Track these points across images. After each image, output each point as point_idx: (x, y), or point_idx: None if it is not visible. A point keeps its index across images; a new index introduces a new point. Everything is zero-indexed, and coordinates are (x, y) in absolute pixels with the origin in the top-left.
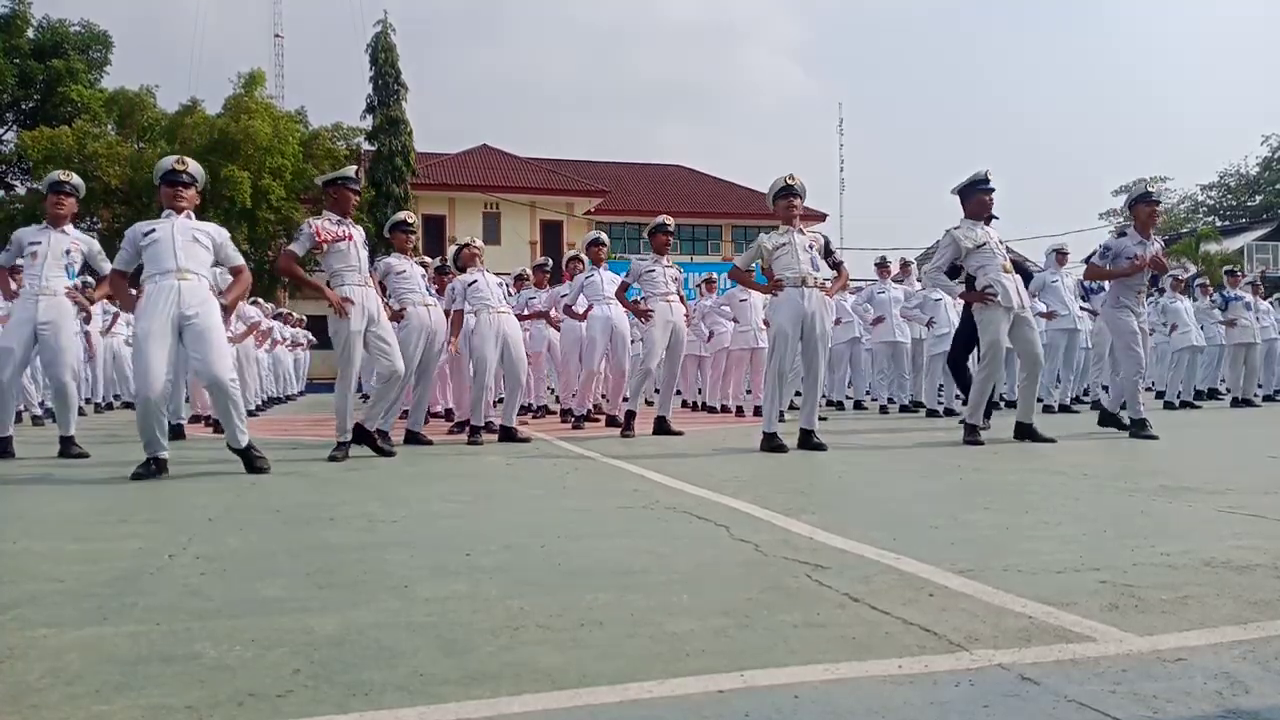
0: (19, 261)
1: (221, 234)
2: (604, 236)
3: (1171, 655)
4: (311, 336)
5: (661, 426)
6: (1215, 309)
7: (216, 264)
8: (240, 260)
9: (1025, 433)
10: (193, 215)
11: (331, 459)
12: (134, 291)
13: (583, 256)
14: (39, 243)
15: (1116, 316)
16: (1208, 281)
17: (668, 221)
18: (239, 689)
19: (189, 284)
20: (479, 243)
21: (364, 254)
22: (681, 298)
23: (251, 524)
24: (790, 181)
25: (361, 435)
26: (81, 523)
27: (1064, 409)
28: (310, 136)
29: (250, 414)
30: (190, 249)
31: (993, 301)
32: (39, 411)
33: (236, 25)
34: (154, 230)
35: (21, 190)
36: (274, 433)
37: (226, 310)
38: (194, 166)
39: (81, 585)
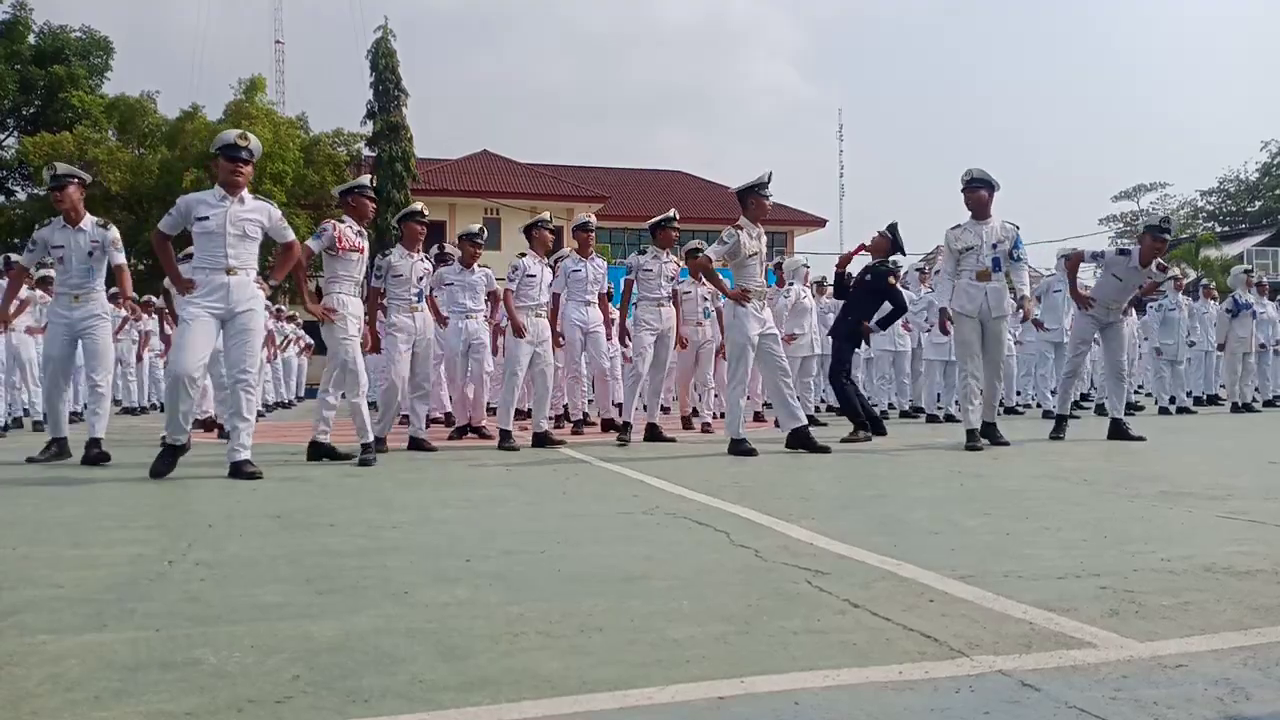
0: (48, 271)
1: (273, 215)
2: (592, 220)
3: (1172, 661)
4: (309, 339)
5: (654, 433)
6: (1229, 315)
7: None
8: (291, 235)
9: (988, 431)
10: (246, 196)
11: (363, 463)
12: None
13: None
14: (61, 246)
15: (1079, 322)
16: (1212, 284)
17: (674, 216)
18: (238, 695)
19: (238, 279)
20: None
21: (363, 267)
22: (675, 295)
23: (251, 530)
24: (768, 180)
25: (317, 449)
26: (81, 528)
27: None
28: (311, 142)
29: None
30: (240, 245)
31: (958, 313)
32: (39, 417)
33: (237, 31)
34: (209, 217)
35: (22, 196)
36: (274, 438)
37: (275, 287)
38: (255, 143)
39: (81, 591)
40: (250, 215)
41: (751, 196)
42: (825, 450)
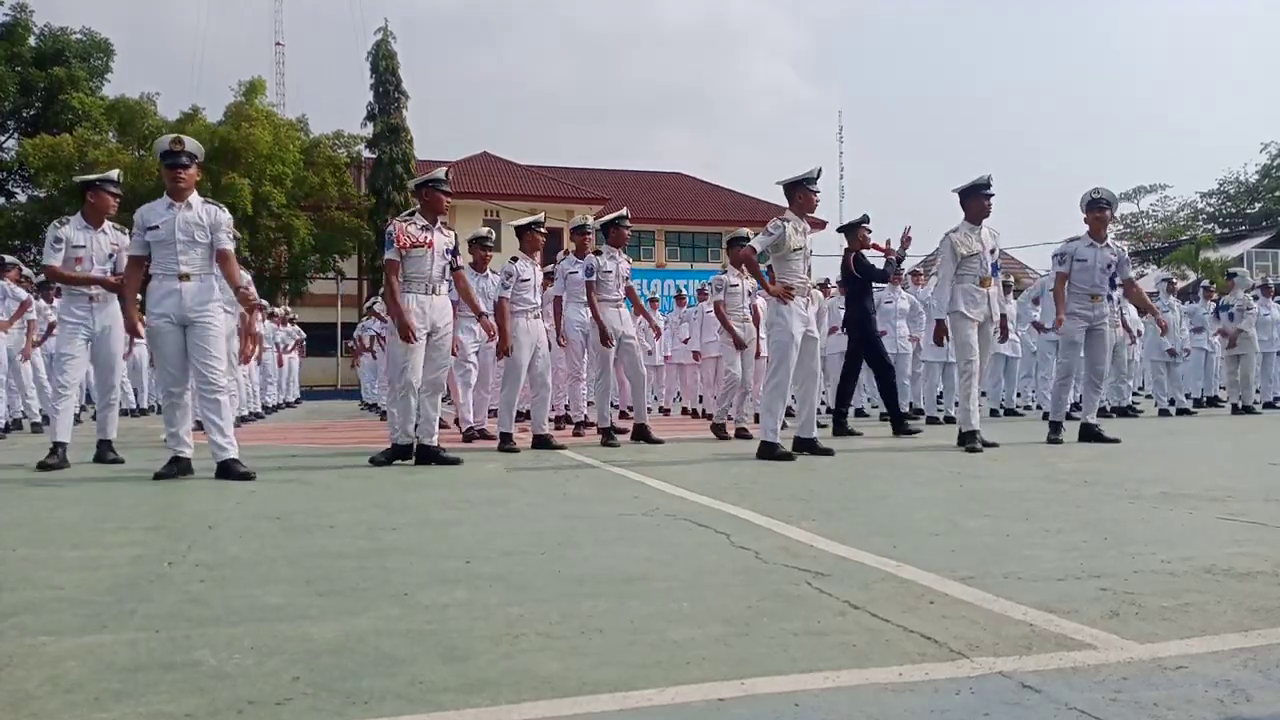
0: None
1: (219, 217)
2: (590, 222)
3: (1173, 663)
4: (303, 336)
5: (641, 434)
6: (1219, 317)
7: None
8: (228, 246)
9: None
10: (193, 201)
11: (373, 462)
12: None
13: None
14: (83, 246)
15: (1066, 325)
16: (1212, 285)
17: (626, 214)
18: (238, 697)
19: (190, 285)
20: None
21: (440, 262)
22: (630, 293)
23: (251, 531)
24: (817, 175)
25: (425, 454)
26: (81, 530)
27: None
28: (311, 144)
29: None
30: (191, 251)
31: (963, 316)
32: (38, 419)
33: (237, 32)
34: (158, 227)
35: (22, 198)
36: (275, 439)
37: (251, 307)
38: (191, 144)
39: (81, 592)
40: (197, 219)
41: (799, 190)
42: (828, 453)
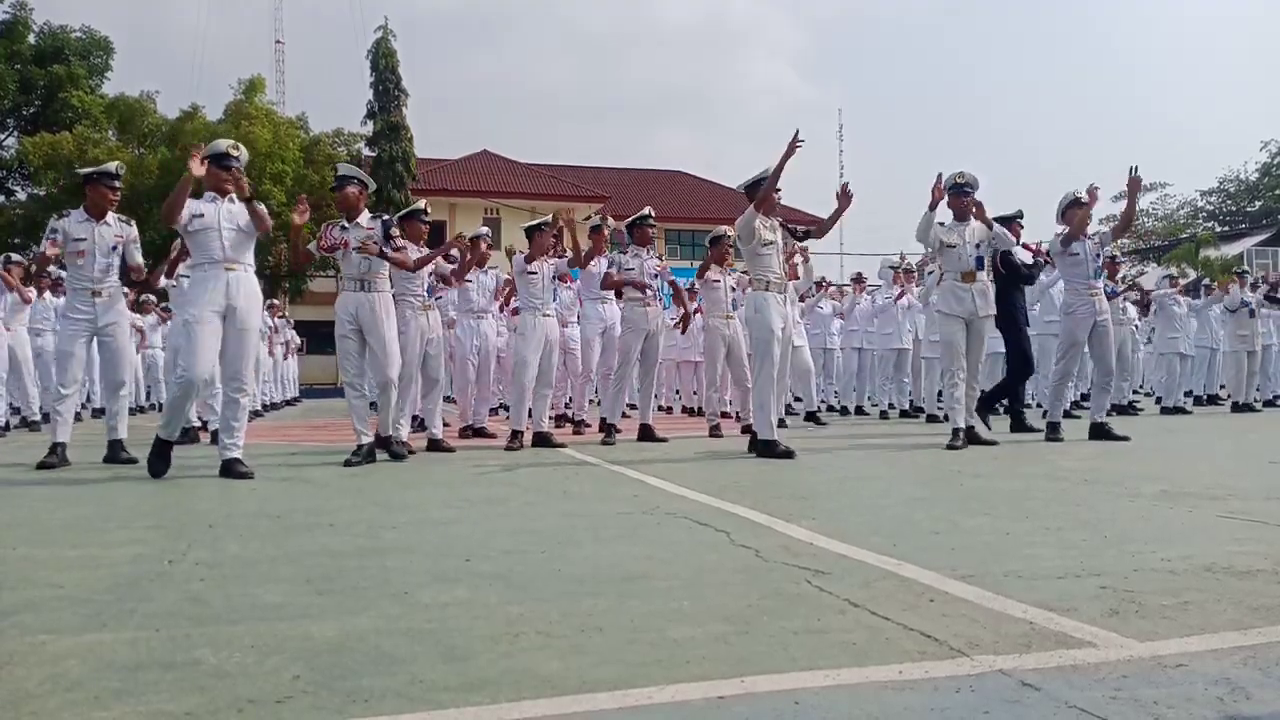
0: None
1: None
2: (611, 221)
3: (1172, 661)
4: (296, 338)
5: (646, 433)
6: (1233, 312)
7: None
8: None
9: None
10: (234, 198)
11: (346, 463)
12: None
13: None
14: (84, 239)
15: (1066, 325)
16: (1213, 284)
17: (650, 214)
18: (238, 695)
19: (235, 274)
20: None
21: (363, 260)
22: (675, 287)
23: (251, 530)
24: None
25: (379, 442)
26: (81, 529)
27: (1065, 414)
28: (311, 142)
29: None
30: (236, 239)
31: (946, 314)
32: (37, 417)
33: (237, 31)
34: (203, 215)
35: (22, 196)
36: (274, 439)
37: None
38: (245, 153)
39: (81, 591)
40: (240, 212)
41: (759, 188)
42: (788, 455)
